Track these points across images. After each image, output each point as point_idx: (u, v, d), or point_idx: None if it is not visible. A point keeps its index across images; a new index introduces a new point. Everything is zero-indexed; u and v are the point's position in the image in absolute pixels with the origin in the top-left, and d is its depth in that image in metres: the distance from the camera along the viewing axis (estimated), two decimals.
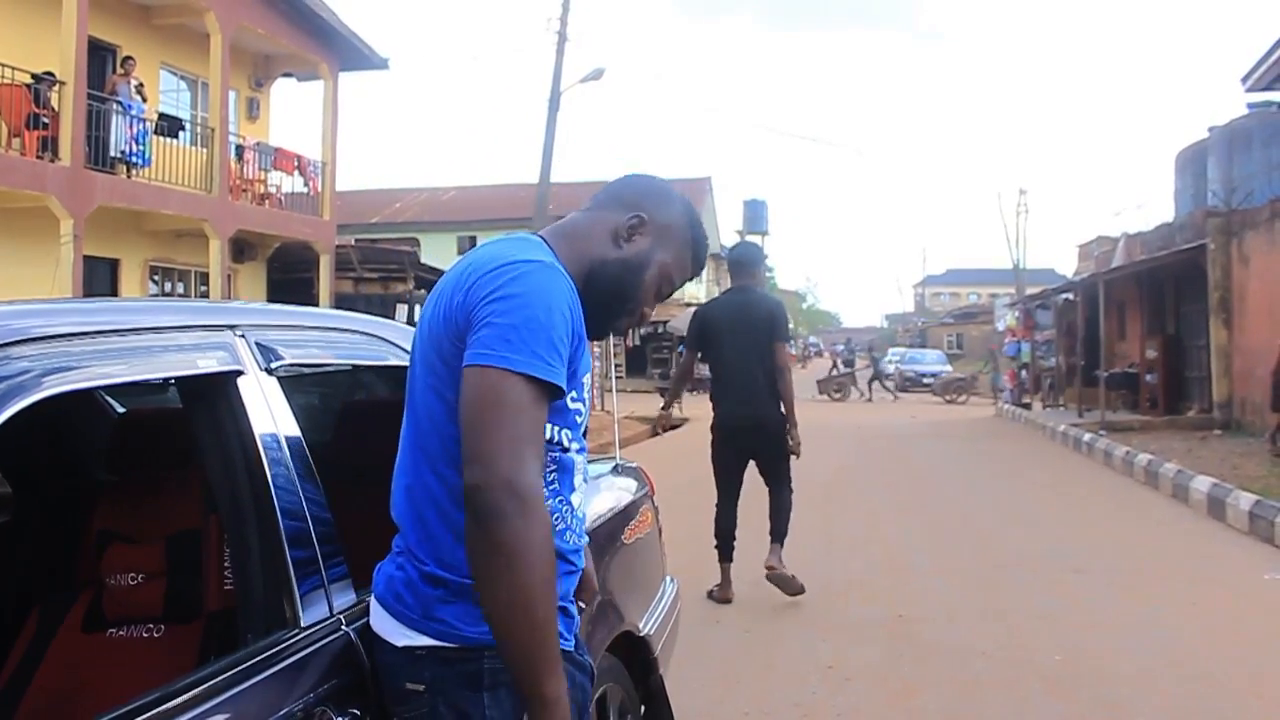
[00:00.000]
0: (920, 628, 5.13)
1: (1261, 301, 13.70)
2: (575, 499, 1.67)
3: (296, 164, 17.14)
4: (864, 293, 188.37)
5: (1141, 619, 5.30)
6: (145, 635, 2.05)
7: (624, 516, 2.82)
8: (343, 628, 1.67)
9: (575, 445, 1.66)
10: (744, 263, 5.85)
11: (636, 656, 2.67)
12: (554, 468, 1.61)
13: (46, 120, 12.24)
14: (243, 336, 1.77)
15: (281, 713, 1.49)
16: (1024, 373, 23.96)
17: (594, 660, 2.06)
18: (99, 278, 13.90)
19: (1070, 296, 21.38)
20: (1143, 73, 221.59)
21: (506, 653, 1.42)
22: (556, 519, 1.61)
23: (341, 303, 16.97)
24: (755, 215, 44.27)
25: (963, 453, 14.52)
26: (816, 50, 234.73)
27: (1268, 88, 15.54)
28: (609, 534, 2.66)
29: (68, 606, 2.10)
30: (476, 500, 1.39)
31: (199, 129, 15.63)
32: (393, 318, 13.46)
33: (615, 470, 3.08)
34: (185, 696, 1.38)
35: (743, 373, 5.51)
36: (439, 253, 26.85)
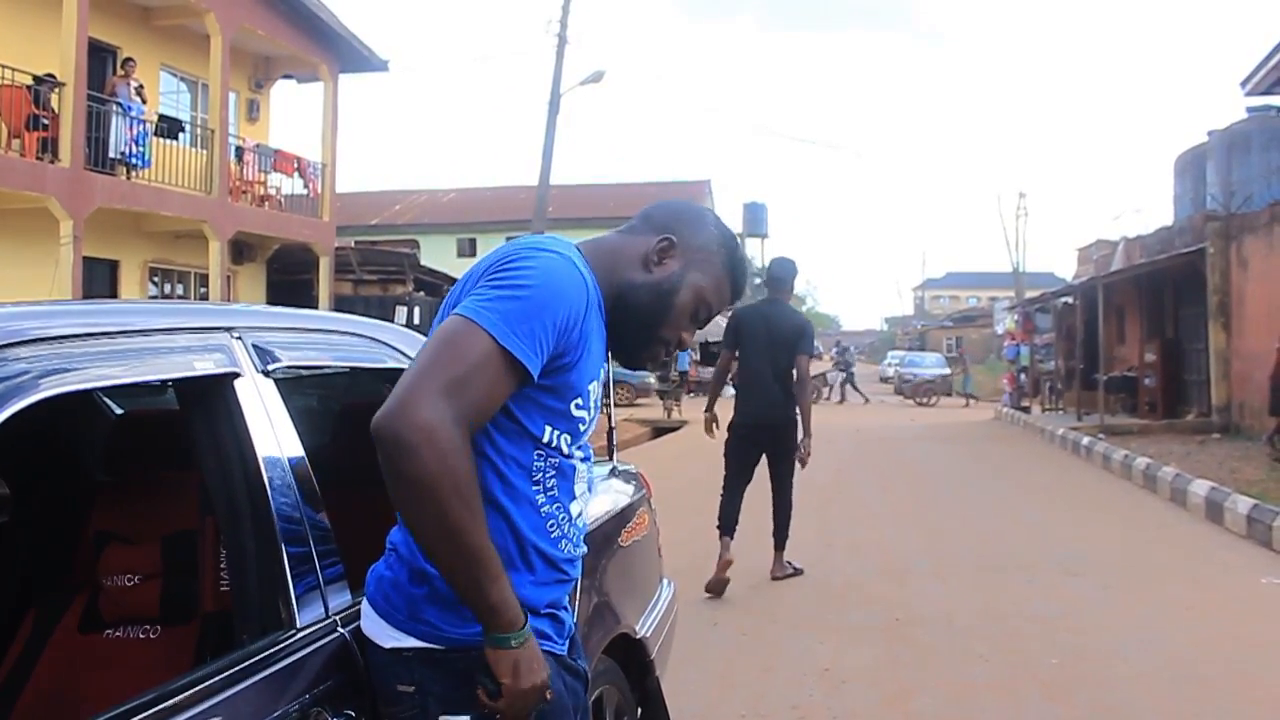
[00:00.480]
0: (918, 630, 5.14)
1: (1260, 305, 13.70)
2: (574, 507, 1.65)
3: (296, 166, 17.14)
4: (863, 296, 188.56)
5: (1139, 622, 5.30)
6: (141, 636, 2.05)
7: (621, 519, 2.83)
8: (338, 629, 1.67)
9: (579, 454, 1.65)
10: (781, 278, 6.24)
11: (633, 658, 2.67)
12: (552, 473, 1.60)
13: (46, 121, 12.25)
14: (240, 339, 1.77)
15: (277, 714, 1.49)
16: (1023, 376, 23.98)
17: (590, 662, 2.07)
18: (98, 279, 13.91)
19: (1069, 300, 21.38)
20: (1142, 76, 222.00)
21: (448, 580, 1.45)
22: (551, 525, 1.61)
23: (341, 304, 16.97)
24: (755, 218, 44.35)
25: (961, 456, 14.52)
26: (816, 52, 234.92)
27: (1267, 92, 15.53)
28: (606, 536, 2.66)
29: (64, 607, 2.10)
30: (379, 434, 1.37)
31: (199, 130, 15.64)
32: (392, 320, 13.50)
33: (613, 473, 3.09)
34: (181, 697, 1.38)
35: (763, 378, 5.93)
36: (438, 255, 26.88)
